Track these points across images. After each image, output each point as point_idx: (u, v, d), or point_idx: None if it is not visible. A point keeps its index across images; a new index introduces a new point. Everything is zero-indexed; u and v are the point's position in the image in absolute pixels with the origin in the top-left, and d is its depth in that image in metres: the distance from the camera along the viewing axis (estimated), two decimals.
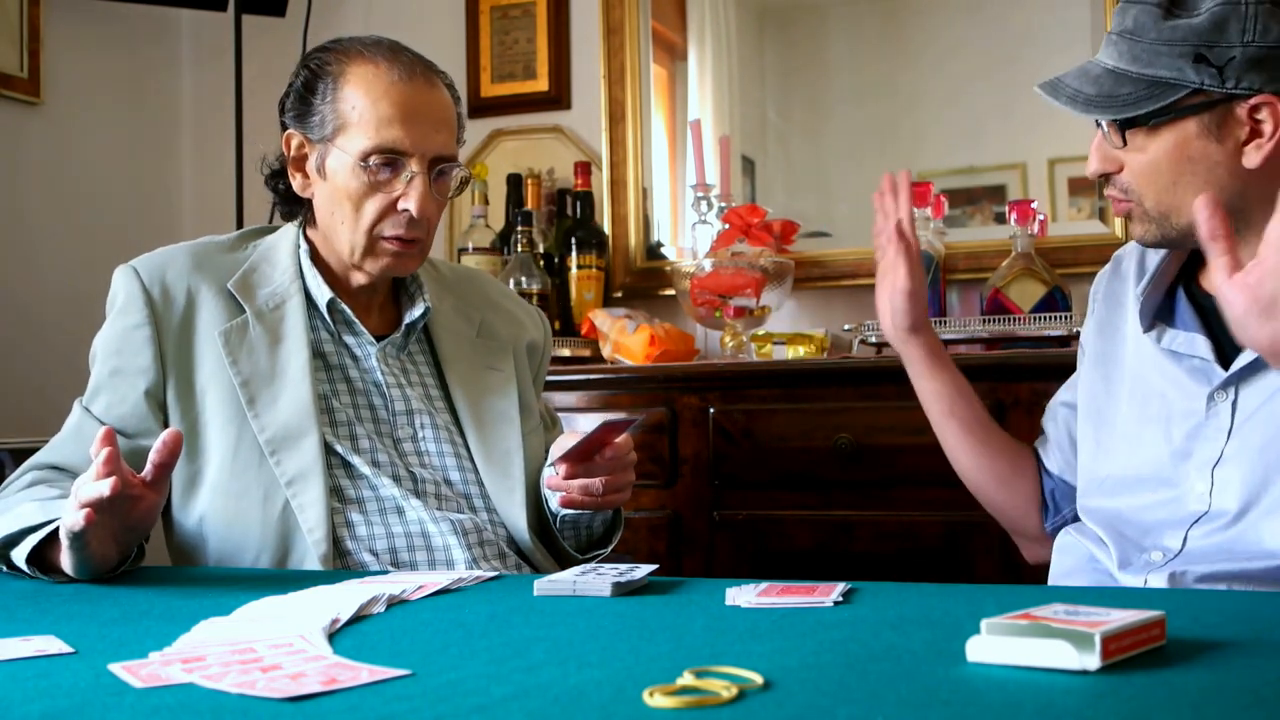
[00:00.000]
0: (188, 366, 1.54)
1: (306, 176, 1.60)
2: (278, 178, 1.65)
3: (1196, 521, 1.35)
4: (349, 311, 1.61)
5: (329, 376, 1.59)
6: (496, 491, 1.60)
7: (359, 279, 1.61)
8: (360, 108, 1.53)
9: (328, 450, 1.53)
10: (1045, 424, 1.63)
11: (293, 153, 1.60)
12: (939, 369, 1.62)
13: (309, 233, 1.64)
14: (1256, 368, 1.34)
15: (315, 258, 1.62)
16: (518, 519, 1.59)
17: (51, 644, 0.97)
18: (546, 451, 1.68)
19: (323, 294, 1.59)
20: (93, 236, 3.02)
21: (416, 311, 1.65)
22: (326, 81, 1.56)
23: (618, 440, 1.50)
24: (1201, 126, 1.32)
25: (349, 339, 1.62)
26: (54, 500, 1.39)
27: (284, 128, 1.61)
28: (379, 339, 1.63)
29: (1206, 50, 1.29)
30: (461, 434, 1.64)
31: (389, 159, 1.53)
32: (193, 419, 1.53)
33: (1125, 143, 1.35)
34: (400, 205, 1.54)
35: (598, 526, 1.65)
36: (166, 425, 1.53)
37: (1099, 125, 1.38)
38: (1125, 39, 1.34)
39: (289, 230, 1.65)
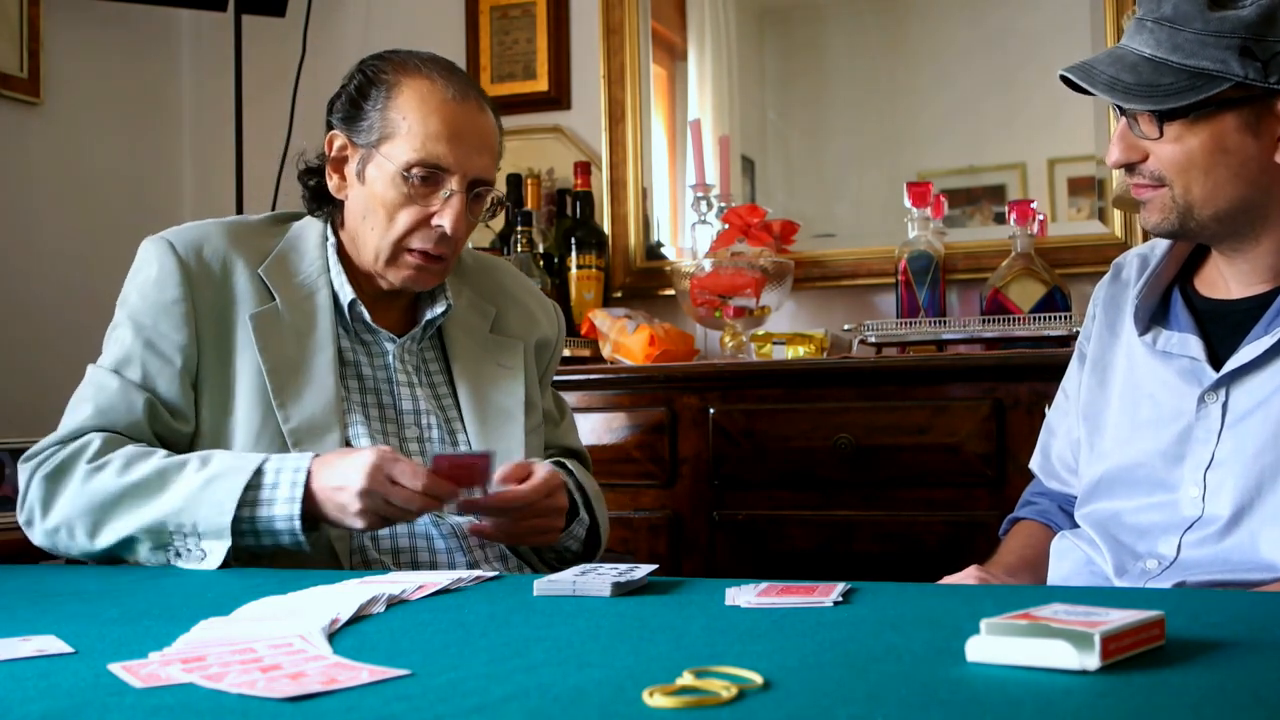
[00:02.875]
0: (222, 347, 1.54)
1: (343, 178, 1.61)
2: (311, 174, 1.65)
3: (1190, 527, 1.34)
4: (366, 315, 1.60)
5: (343, 373, 1.59)
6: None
7: (381, 284, 1.62)
8: (410, 120, 1.54)
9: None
10: (1044, 440, 1.62)
11: (333, 153, 1.60)
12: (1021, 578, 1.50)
13: (337, 229, 1.65)
14: (1248, 370, 1.33)
15: (341, 254, 1.63)
16: None
17: (51, 644, 0.97)
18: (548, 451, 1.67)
19: (345, 294, 1.60)
20: (93, 237, 3.02)
21: (438, 309, 1.65)
22: (380, 89, 1.56)
23: (523, 487, 1.46)
24: (1240, 121, 1.29)
25: (365, 336, 1.63)
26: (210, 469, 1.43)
27: (329, 127, 1.62)
28: (395, 336, 1.63)
29: (1254, 44, 1.26)
30: (466, 432, 1.63)
31: (430, 174, 1.54)
32: (221, 400, 1.53)
33: (1162, 134, 1.31)
34: (435, 221, 1.55)
35: (574, 545, 1.63)
36: (197, 403, 1.53)
37: (1121, 112, 1.35)
38: (1165, 27, 1.29)
39: (315, 221, 1.66)
